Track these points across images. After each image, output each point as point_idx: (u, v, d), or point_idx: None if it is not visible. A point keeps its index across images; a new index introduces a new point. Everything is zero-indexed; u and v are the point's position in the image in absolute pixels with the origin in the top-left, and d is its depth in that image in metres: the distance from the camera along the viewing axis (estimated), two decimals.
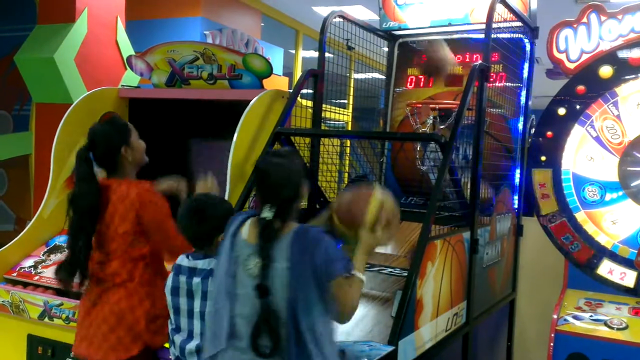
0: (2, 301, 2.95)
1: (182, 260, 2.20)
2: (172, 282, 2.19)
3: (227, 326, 1.82)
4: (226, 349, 1.83)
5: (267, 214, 1.80)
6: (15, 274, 3.13)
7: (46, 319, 2.88)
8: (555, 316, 3.15)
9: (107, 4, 4.49)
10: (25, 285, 3.04)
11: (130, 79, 4.40)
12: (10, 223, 5.59)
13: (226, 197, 2.83)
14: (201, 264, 2.15)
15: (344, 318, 1.84)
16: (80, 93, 3.79)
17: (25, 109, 5.38)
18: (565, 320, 3.12)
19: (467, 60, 3.75)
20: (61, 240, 3.28)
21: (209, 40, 6.06)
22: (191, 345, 2.12)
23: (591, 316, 3.16)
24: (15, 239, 3.24)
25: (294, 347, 1.74)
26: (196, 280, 2.12)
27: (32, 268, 3.14)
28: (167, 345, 2.32)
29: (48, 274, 3.06)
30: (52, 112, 4.09)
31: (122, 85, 4.17)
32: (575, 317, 3.15)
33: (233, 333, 1.83)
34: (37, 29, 4.39)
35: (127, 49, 4.59)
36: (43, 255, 3.22)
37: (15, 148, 5.29)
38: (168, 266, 2.39)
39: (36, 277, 3.07)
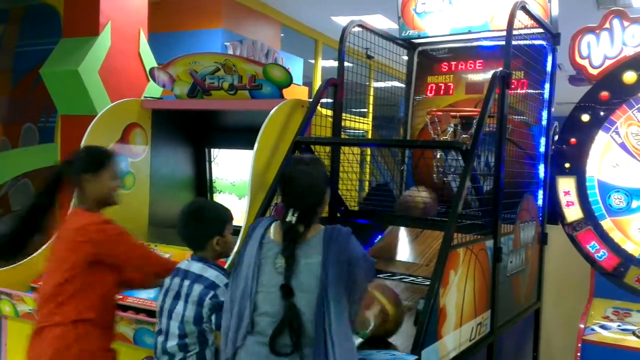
0: (29, 310, 2.98)
1: (182, 263, 2.24)
2: (166, 284, 2.22)
3: (247, 325, 1.88)
4: (246, 340, 1.88)
5: (290, 217, 1.87)
6: (41, 283, 3.17)
7: None
8: (582, 325, 3.09)
9: (130, 17, 4.57)
10: None
11: (152, 90, 4.46)
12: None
13: (247, 206, 2.85)
14: (194, 267, 2.18)
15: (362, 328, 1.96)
16: (104, 105, 3.85)
17: (50, 121, 5.49)
18: (592, 329, 3.06)
19: (488, 67, 3.73)
20: None
21: (230, 52, 6.12)
22: (171, 344, 2.11)
23: (619, 326, 3.10)
24: (42, 248, 3.28)
25: (314, 346, 1.78)
26: (186, 282, 2.15)
27: None
28: None
29: None
30: (77, 123, 4.15)
31: (145, 97, 4.23)
32: (603, 327, 3.09)
33: (252, 330, 1.88)
34: (62, 42, 4.47)
35: (149, 61, 4.65)
36: None
37: (40, 159, 5.39)
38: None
39: None
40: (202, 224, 2.22)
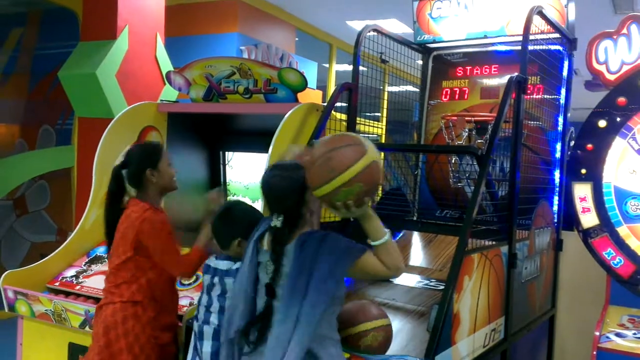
0: (45, 310, 3.03)
1: (211, 260, 2.37)
2: (203, 280, 2.37)
3: (239, 323, 1.98)
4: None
5: (275, 222, 1.95)
6: (57, 284, 3.22)
7: (87, 328, 2.93)
8: (597, 333, 3.06)
9: (147, 22, 4.62)
10: (67, 294, 3.12)
11: (169, 93, 4.50)
12: (52, 234, 5.77)
13: (260, 209, 2.86)
14: (221, 264, 2.31)
15: (391, 276, 2.04)
16: (121, 108, 3.90)
17: (68, 123, 5.56)
18: (607, 337, 3.03)
19: (504, 72, 3.72)
20: (102, 251, 3.36)
21: (245, 56, 6.15)
22: (208, 329, 2.26)
23: (635, 334, 3.06)
24: (58, 249, 3.33)
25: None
26: (216, 279, 2.30)
27: (74, 278, 3.22)
28: None
29: (89, 283, 3.13)
30: (94, 126, 4.21)
31: (161, 100, 4.27)
32: (618, 335, 3.05)
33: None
34: (80, 45, 4.53)
35: (166, 64, 4.70)
36: (84, 265, 3.30)
37: (57, 161, 5.46)
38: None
39: (78, 287, 3.15)
40: (228, 224, 2.31)
